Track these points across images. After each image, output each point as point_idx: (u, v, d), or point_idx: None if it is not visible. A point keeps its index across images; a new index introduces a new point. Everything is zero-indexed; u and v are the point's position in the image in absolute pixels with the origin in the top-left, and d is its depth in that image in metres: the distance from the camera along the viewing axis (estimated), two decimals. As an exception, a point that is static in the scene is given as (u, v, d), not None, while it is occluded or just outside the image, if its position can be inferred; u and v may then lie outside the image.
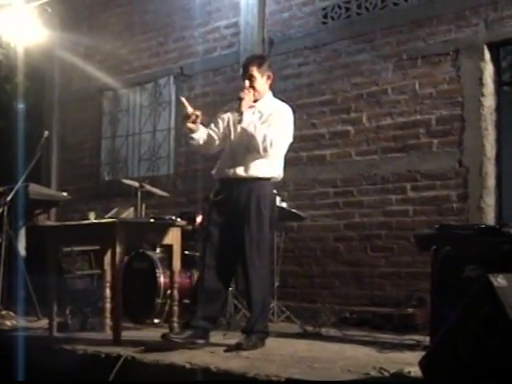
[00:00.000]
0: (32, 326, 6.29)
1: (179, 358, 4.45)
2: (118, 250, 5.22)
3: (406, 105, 6.84)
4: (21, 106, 9.65)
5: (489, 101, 6.40)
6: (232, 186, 4.99)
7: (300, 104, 7.49)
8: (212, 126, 5.15)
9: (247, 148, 4.92)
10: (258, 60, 5.12)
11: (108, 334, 5.58)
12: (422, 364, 3.64)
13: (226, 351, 4.69)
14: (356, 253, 7.08)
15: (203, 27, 8.68)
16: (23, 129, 8.86)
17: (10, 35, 9.82)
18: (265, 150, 4.84)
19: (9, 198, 6.83)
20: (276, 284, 6.55)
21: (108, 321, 5.79)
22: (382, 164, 6.96)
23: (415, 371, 3.71)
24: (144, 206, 7.00)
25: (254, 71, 4.98)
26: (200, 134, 5.09)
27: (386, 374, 3.82)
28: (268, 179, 4.98)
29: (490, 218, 6.25)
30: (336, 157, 7.32)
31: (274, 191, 5.14)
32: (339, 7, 7.42)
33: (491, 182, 6.33)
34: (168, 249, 5.75)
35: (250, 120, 4.88)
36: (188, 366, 4.25)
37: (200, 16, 8.70)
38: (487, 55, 6.40)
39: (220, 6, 8.53)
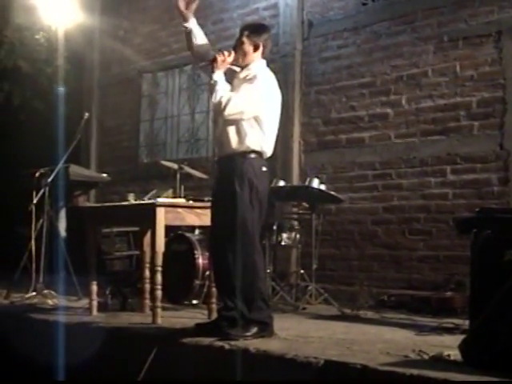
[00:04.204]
0: (73, 305, 6.40)
1: (218, 338, 4.46)
2: (158, 231, 5.26)
3: (446, 87, 6.76)
4: (61, 88, 9.69)
5: (531, 83, 6.30)
6: (218, 167, 4.84)
7: (339, 86, 7.47)
8: None
9: (222, 121, 4.65)
10: (252, 27, 4.88)
11: (147, 314, 5.66)
12: (462, 347, 3.63)
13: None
14: (394, 236, 7.05)
15: (242, 9, 8.67)
16: (63, 111, 8.90)
17: (51, 18, 9.88)
18: (219, 109, 4.54)
19: (50, 180, 6.91)
20: (314, 266, 6.55)
21: (147, 301, 5.87)
22: (421, 147, 6.90)
23: (455, 354, 3.71)
24: (183, 187, 7.04)
25: (244, 37, 4.75)
26: (195, 31, 4.84)
27: (426, 356, 3.82)
28: (243, 154, 4.61)
29: (531, 202, 6.18)
30: (375, 139, 7.28)
31: (263, 168, 4.69)
32: (379, -12, 7.36)
33: (533, 165, 6.25)
34: (207, 230, 5.77)
35: (218, 79, 4.61)
36: (227, 346, 4.29)
37: (239, -2, 8.70)
38: (530, 36, 6.30)
39: (259, -13, 8.49)
